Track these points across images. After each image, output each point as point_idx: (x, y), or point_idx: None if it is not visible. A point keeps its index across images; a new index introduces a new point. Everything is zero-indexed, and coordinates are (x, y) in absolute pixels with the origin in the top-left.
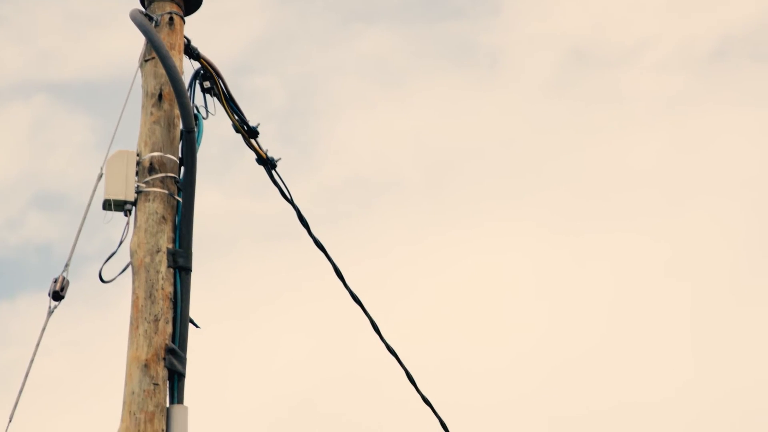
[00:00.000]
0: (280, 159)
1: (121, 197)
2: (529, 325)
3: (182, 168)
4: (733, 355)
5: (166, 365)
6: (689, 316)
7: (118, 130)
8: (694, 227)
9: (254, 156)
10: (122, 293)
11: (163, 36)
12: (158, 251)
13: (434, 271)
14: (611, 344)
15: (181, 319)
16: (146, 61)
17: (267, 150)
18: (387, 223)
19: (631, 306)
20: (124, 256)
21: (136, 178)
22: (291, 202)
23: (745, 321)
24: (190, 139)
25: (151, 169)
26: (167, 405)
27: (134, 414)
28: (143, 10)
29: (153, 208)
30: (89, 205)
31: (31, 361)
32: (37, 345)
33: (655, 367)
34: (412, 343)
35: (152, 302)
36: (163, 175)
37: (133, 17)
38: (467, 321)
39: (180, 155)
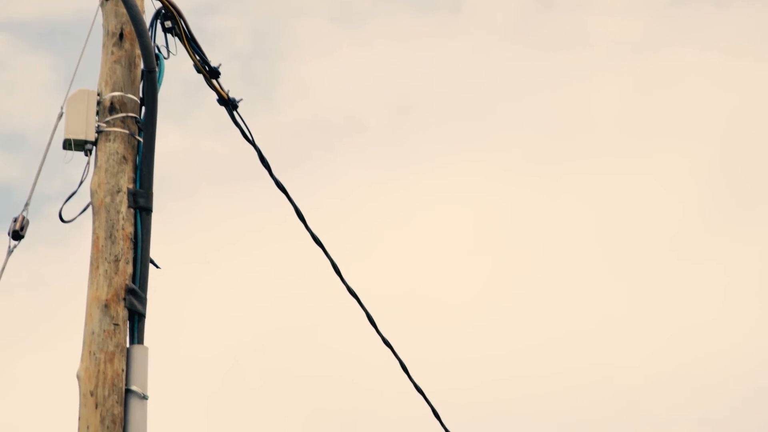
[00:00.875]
0: (241, 100)
1: (82, 137)
2: (495, 265)
3: (143, 108)
4: (688, 293)
5: (127, 305)
6: (656, 253)
7: (79, 70)
8: (659, 169)
9: (216, 97)
10: (83, 233)
11: None
12: (119, 191)
13: (396, 215)
14: (585, 280)
15: (141, 260)
16: (107, 0)
17: (228, 91)
18: (349, 166)
19: (597, 245)
20: (84, 196)
21: (97, 118)
22: (252, 143)
23: (711, 259)
24: (151, 79)
25: (112, 109)
26: (127, 345)
27: (94, 354)
28: None
29: (113, 148)
30: (49, 144)
31: None
32: None
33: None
34: (373, 285)
35: (112, 242)
36: (123, 115)
37: None
38: (429, 263)
39: (141, 95)
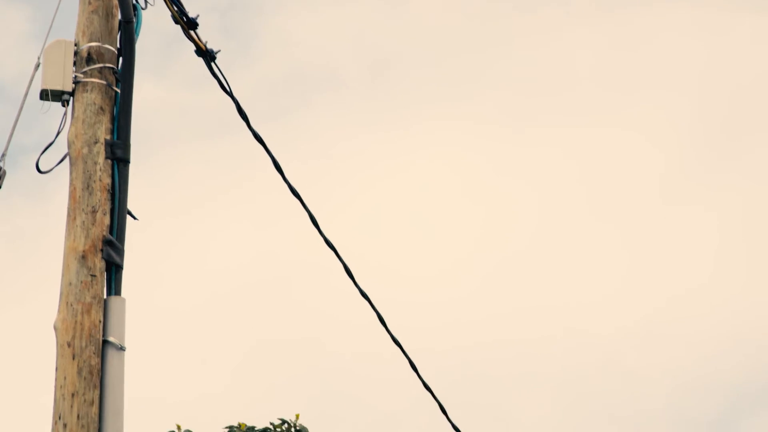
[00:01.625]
0: (219, 51)
1: (59, 87)
2: (474, 219)
3: (120, 59)
4: (665, 245)
5: (104, 257)
6: (643, 202)
7: (56, 20)
8: (639, 122)
9: (193, 48)
10: (60, 185)
11: None
12: (96, 142)
13: (375, 168)
14: (560, 235)
15: (119, 211)
16: None
17: (206, 42)
18: (327, 119)
19: (577, 199)
20: (61, 147)
21: (74, 69)
22: (230, 94)
23: (696, 204)
24: (128, 29)
25: (89, 60)
26: (104, 296)
27: (71, 305)
28: None
29: (91, 98)
30: (26, 95)
31: None
32: None
33: (602, 256)
34: (351, 237)
35: (90, 193)
36: (101, 65)
37: None
38: (408, 216)
39: (118, 46)
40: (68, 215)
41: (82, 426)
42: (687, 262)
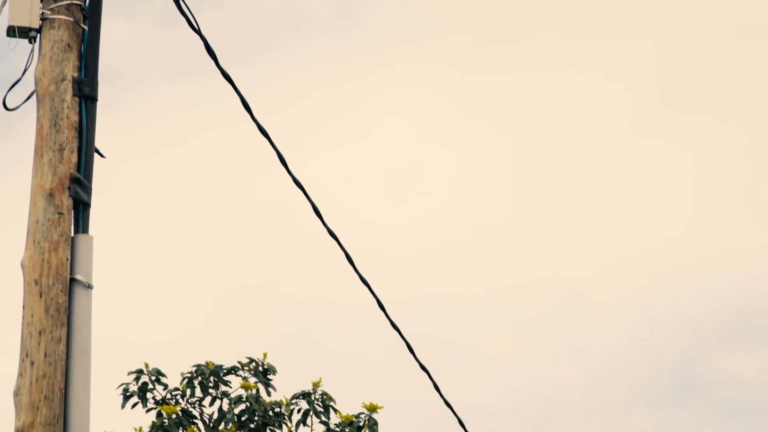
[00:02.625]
0: None
1: (26, 24)
2: (445, 165)
3: None
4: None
5: (71, 194)
6: (610, 148)
7: None
8: (605, 64)
9: None
10: (27, 122)
11: None
12: (63, 79)
13: (346, 111)
14: (532, 178)
15: (86, 149)
16: None
17: None
18: (296, 60)
19: (549, 142)
20: (29, 84)
21: (41, 5)
22: (198, 32)
23: (668, 147)
24: None
25: None
26: (72, 234)
27: (38, 243)
28: None
29: (58, 35)
30: None
31: None
32: None
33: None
34: (319, 178)
35: (57, 131)
36: (68, 2)
37: None
38: (376, 159)
39: None
40: (35, 153)
41: (50, 364)
42: (660, 202)
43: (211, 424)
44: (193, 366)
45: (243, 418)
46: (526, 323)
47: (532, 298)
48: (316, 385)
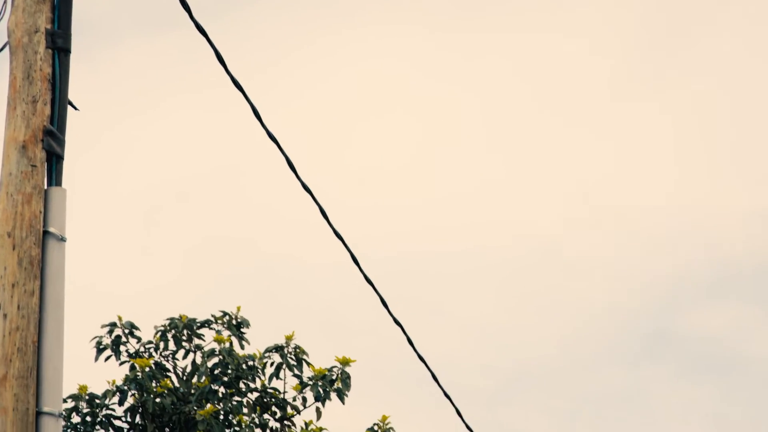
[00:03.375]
0: None
1: None
2: (418, 123)
3: None
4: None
5: (45, 147)
6: (586, 109)
7: None
8: (578, 27)
9: None
10: (0, 74)
11: None
12: (36, 31)
13: (320, 66)
14: (507, 137)
15: (59, 101)
16: None
17: None
18: (273, 15)
19: (523, 102)
20: (1, 36)
21: None
22: None
23: (645, 106)
24: None
25: None
26: (45, 187)
27: (12, 195)
28: None
29: None
30: None
31: None
32: None
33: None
34: (295, 134)
35: (30, 83)
36: None
37: None
38: (352, 117)
39: None
40: (8, 105)
41: (23, 316)
42: (639, 161)
43: (185, 378)
44: (167, 319)
45: (216, 372)
46: (501, 280)
47: (507, 256)
48: (289, 338)
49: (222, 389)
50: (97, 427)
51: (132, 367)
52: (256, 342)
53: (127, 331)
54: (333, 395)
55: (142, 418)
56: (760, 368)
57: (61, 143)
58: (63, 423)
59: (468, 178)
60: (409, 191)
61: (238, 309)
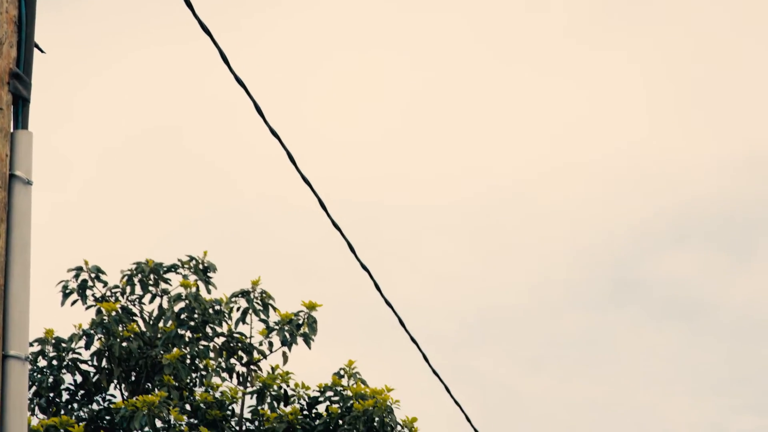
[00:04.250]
0: None
1: None
2: (394, 71)
3: None
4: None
5: (11, 90)
6: (546, 53)
7: None
8: None
9: None
10: None
11: None
12: None
13: (285, 7)
14: (467, 82)
15: (26, 44)
16: None
17: None
18: None
19: (487, 53)
20: None
21: None
22: None
23: (615, 54)
24: None
25: None
26: (11, 130)
27: None
28: None
29: None
30: None
31: None
32: None
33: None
34: (261, 75)
35: None
36: None
37: None
38: (322, 65)
39: None
40: None
41: None
42: (609, 109)
43: (151, 322)
44: (133, 264)
45: (183, 316)
46: (470, 228)
47: (475, 204)
48: (255, 283)
49: (188, 334)
50: (64, 370)
51: (98, 312)
52: (223, 287)
53: (93, 275)
54: (299, 340)
55: (108, 362)
56: (725, 313)
57: (28, 86)
58: (29, 367)
59: (440, 129)
60: (381, 139)
61: (205, 254)
